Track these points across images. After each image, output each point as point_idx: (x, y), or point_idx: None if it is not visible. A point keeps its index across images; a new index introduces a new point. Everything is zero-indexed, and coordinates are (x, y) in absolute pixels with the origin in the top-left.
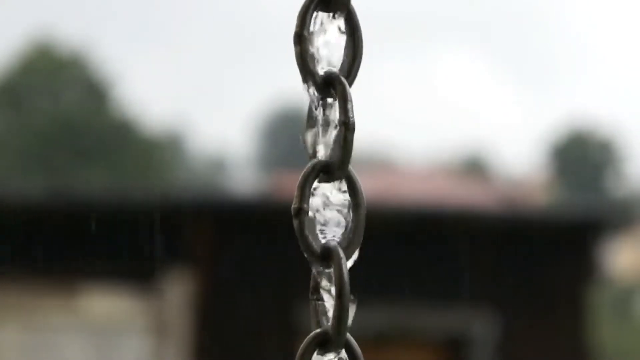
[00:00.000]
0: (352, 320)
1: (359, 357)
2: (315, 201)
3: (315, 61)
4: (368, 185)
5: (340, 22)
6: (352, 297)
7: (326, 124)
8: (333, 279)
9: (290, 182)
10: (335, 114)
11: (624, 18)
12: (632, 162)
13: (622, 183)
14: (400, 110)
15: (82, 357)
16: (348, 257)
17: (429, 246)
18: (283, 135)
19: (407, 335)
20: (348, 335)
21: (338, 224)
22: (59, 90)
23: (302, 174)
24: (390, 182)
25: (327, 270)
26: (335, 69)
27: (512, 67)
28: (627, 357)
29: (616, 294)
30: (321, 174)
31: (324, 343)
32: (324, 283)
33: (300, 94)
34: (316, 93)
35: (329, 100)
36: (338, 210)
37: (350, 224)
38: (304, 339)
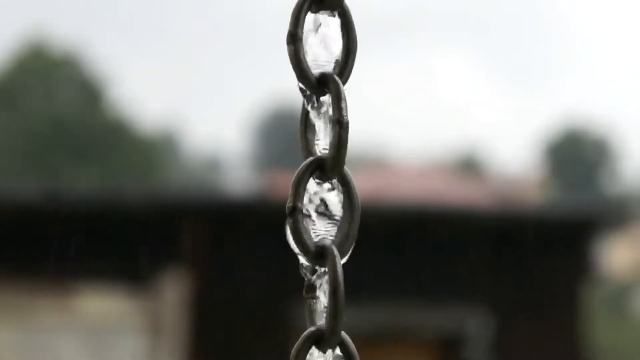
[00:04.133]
0: (346, 319)
1: (354, 355)
2: (309, 200)
3: (309, 60)
4: (362, 184)
5: (334, 21)
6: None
7: (320, 122)
8: (327, 277)
9: (285, 181)
10: (329, 112)
11: (618, 16)
12: (627, 160)
13: (617, 181)
14: (395, 108)
15: (77, 357)
16: (342, 256)
17: (423, 244)
18: (278, 134)
19: (402, 334)
20: (343, 333)
21: (332, 223)
22: (52, 89)
23: (296, 172)
24: (384, 180)
25: (321, 269)
26: (329, 68)
27: (506, 66)
28: (622, 355)
29: (611, 292)
30: (316, 173)
31: (319, 341)
32: (319, 281)
33: (294, 93)
34: (310, 92)
35: (323, 99)
36: (332, 209)
37: (344, 222)
38: (299, 338)
